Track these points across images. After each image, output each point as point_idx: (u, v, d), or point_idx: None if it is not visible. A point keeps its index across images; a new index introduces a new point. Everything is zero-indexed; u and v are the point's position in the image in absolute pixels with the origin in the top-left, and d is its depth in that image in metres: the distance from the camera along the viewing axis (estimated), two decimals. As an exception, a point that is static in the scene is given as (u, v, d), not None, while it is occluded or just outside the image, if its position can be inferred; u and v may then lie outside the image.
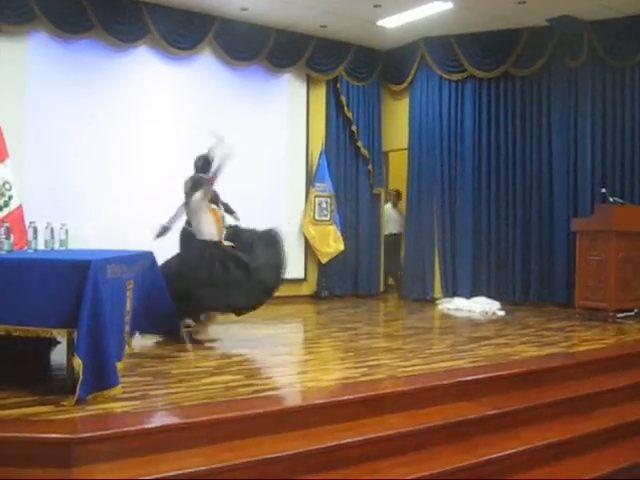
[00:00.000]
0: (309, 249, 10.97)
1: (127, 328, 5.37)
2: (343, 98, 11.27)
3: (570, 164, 9.91)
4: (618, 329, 7.95)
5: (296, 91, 11.03)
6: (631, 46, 9.26)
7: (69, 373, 4.53)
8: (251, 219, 9.77)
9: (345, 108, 11.30)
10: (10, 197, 7.65)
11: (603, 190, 9.00)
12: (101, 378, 4.31)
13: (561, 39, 9.81)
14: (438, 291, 10.74)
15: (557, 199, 9.99)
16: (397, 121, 11.69)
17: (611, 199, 8.82)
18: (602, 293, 8.53)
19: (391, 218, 11.98)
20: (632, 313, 8.73)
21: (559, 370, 5.89)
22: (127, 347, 5.55)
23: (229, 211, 7.76)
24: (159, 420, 4.16)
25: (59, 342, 5.24)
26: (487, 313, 9.30)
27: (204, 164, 7.03)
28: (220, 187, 9.91)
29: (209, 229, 6.72)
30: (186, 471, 3.60)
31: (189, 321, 7.43)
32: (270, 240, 7.05)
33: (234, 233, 7.27)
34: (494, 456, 4.44)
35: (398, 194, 11.97)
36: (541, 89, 10.25)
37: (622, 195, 9.19)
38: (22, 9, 8.43)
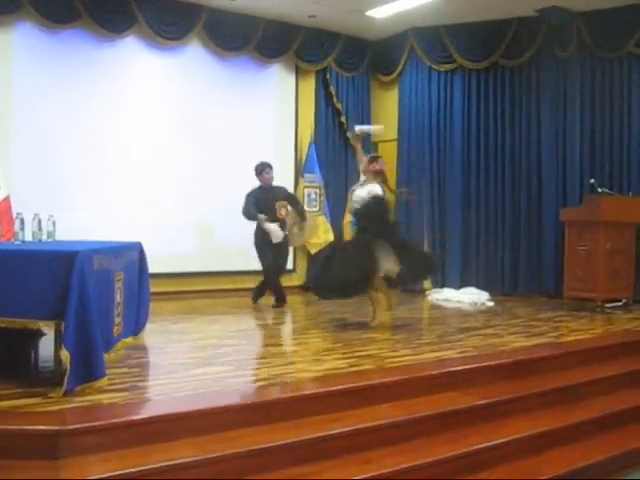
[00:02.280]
0: (298, 240, 10.96)
1: (118, 320, 5.34)
2: (332, 88, 11.24)
3: (559, 154, 9.93)
4: (606, 319, 7.98)
5: (285, 81, 10.99)
6: (620, 37, 9.26)
7: (57, 365, 4.51)
8: (239, 210, 9.74)
9: (334, 98, 11.27)
10: (-3, 188, 7.60)
11: (592, 180, 9.02)
12: (89, 370, 4.28)
13: (550, 30, 9.81)
14: (427, 282, 10.74)
15: (546, 189, 10.01)
16: (386, 111, 11.67)
17: (600, 190, 8.84)
18: (591, 283, 8.55)
19: None
20: (620, 303, 8.74)
21: (548, 360, 5.90)
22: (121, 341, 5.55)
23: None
24: (147, 411, 4.15)
25: (45, 334, 5.22)
26: (476, 304, 9.31)
27: None
28: (209, 177, 9.92)
29: None
30: (175, 462, 3.59)
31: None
32: None
33: None
34: (483, 446, 4.46)
35: None
36: (530, 80, 10.26)
37: (611, 186, 9.22)
38: (8, -2, 8.36)
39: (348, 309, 8.64)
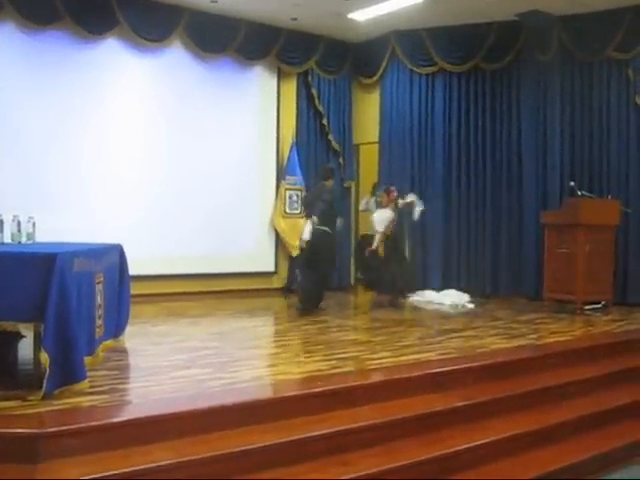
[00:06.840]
0: (280, 242, 10.95)
1: (100, 322, 5.30)
2: (314, 91, 11.25)
3: (539, 158, 10.00)
4: (586, 321, 8.03)
5: (267, 84, 10.98)
6: (599, 41, 9.34)
7: (36, 367, 4.48)
8: (221, 212, 9.76)
9: (316, 101, 11.28)
10: (-24, 190, 7.54)
11: (572, 183, 9.08)
12: (68, 372, 4.26)
13: (531, 34, 9.87)
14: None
15: (526, 192, 10.07)
16: (368, 114, 11.70)
17: (579, 192, 8.90)
18: (570, 286, 8.60)
19: None
20: (599, 305, 8.81)
21: (528, 362, 5.94)
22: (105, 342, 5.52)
23: None
24: (127, 414, 4.14)
25: (24, 336, 5.18)
26: (457, 306, 9.33)
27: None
28: (189, 179, 9.89)
29: None
30: (154, 465, 3.58)
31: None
32: None
33: None
34: (463, 447, 4.48)
35: None
36: (511, 83, 10.32)
37: (590, 188, 9.28)
38: (-12, -1, 8.30)
39: (329, 311, 8.66)
